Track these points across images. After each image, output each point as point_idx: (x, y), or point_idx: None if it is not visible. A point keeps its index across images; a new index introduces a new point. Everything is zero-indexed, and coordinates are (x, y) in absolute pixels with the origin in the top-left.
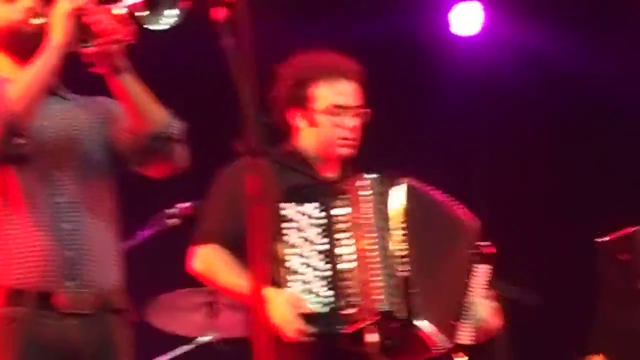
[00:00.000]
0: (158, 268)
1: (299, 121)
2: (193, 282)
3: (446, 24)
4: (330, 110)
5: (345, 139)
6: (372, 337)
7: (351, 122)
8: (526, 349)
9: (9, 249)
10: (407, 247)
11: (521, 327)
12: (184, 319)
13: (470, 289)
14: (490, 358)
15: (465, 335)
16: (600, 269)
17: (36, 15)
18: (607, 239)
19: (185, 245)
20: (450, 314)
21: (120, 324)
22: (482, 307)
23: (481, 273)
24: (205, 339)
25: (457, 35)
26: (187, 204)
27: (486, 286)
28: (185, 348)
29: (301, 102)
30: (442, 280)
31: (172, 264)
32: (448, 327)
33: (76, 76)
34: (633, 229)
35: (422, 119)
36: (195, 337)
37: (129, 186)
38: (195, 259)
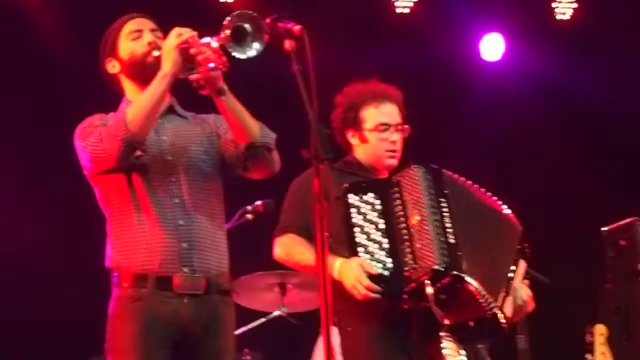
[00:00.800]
0: (238, 254)
1: (353, 139)
2: (267, 266)
3: (476, 52)
4: (377, 128)
5: (391, 151)
6: (429, 290)
7: (394, 137)
8: (542, 322)
9: (136, 241)
10: (451, 219)
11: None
12: (259, 297)
13: (514, 274)
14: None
15: (508, 307)
16: (605, 253)
17: (157, 48)
18: (609, 228)
19: (259, 235)
20: (494, 285)
21: (225, 303)
22: (523, 291)
23: (522, 266)
24: (277, 313)
25: (485, 61)
26: (260, 202)
27: (524, 276)
28: (262, 320)
29: (354, 123)
30: (487, 257)
31: (250, 250)
32: (493, 292)
33: (192, 97)
34: (630, 219)
35: (451, 131)
36: (269, 312)
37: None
38: (277, 247)
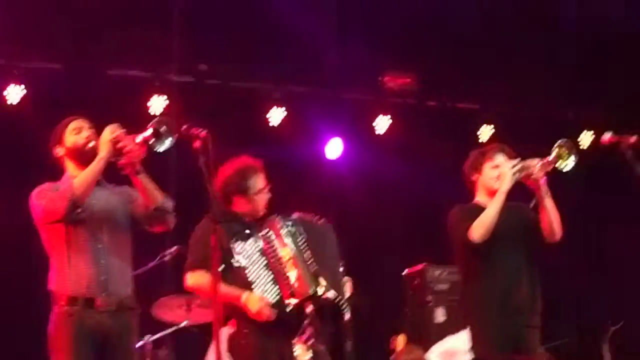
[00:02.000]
0: (157, 282)
1: (240, 201)
2: (178, 291)
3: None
4: (261, 191)
5: (265, 203)
6: (309, 308)
7: (268, 195)
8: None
9: (69, 275)
10: (311, 251)
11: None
12: (172, 312)
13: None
14: None
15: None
16: (406, 288)
17: (91, 141)
18: (408, 271)
19: (174, 271)
20: (339, 286)
21: (132, 317)
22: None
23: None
24: (184, 324)
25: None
26: (175, 248)
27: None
28: (174, 328)
29: (242, 190)
30: (330, 267)
31: (167, 280)
32: (340, 291)
33: (114, 175)
34: (422, 265)
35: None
36: (179, 323)
37: (145, 236)
38: (188, 280)
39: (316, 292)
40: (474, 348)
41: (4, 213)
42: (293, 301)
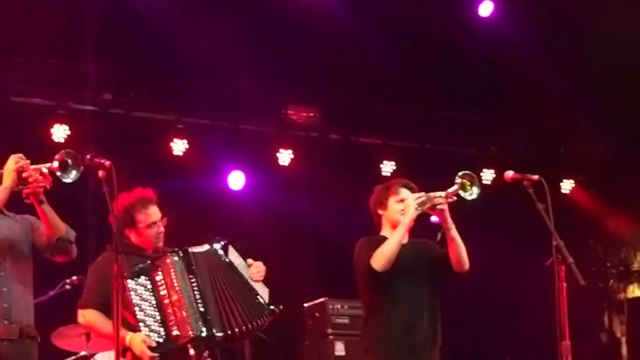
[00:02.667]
0: (58, 312)
1: (131, 235)
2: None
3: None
4: (150, 225)
5: (159, 237)
6: (192, 352)
7: (161, 229)
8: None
9: None
10: (200, 291)
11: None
12: (72, 341)
13: (253, 285)
14: None
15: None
16: (306, 321)
17: None
18: (308, 305)
19: (74, 300)
20: (255, 309)
21: (33, 345)
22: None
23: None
24: (82, 353)
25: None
26: (75, 277)
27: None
28: (72, 358)
29: (131, 224)
30: (238, 295)
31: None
32: (257, 313)
33: (18, 203)
34: (322, 299)
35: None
36: (78, 352)
37: (49, 266)
38: (80, 317)
39: (201, 333)
40: None
41: None
42: (176, 333)
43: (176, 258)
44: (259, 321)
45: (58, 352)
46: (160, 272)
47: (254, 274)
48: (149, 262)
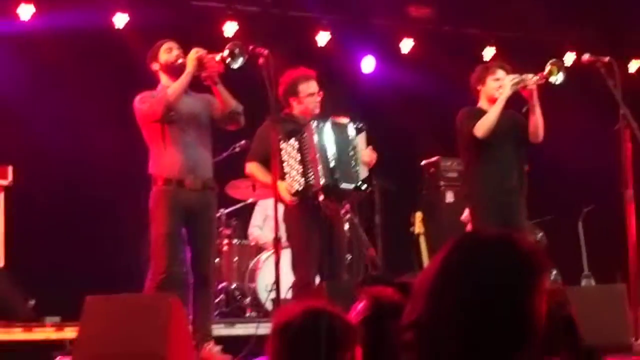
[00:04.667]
0: (231, 168)
1: (294, 102)
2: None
3: None
4: (310, 95)
5: (316, 105)
6: (321, 197)
7: (318, 98)
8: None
9: (164, 161)
10: (335, 153)
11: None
12: (240, 191)
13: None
14: None
15: (363, 172)
16: (423, 175)
17: (180, 58)
18: (424, 162)
19: (243, 159)
20: (353, 174)
21: (212, 194)
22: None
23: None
24: (250, 200)
25: None
26: (243, 142)
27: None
28: (241, 204)
29: (295, 93)
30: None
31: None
32: (354, 178)
33: (198, 84)
34: (436, 157)
35: None
36: (246, 200)
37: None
38: (246, 168)
39: (328, 183)
40: (472, 222)
41: (114, 114)
42: (307, 192)
43: (320, 125)
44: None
45: (231, 200)
46: (305, 136)
47: (364, 156)
48: (298, 127)
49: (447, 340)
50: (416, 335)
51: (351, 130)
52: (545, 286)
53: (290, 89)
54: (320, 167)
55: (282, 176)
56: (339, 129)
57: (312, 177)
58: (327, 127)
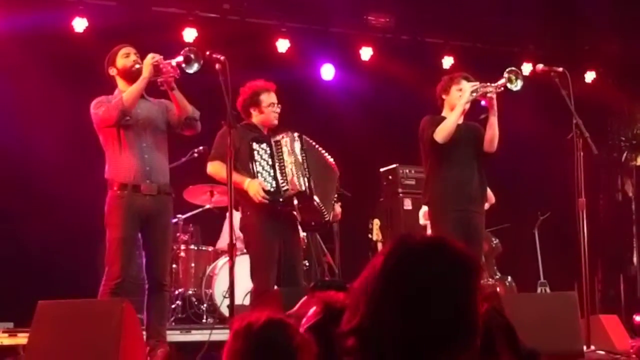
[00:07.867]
0: (189, 174)
1: (254, 113)
2: (203, 181)
3: None
4: (270, 105)
5: (275, 116)
6: (295, 201)
7: (277, 109)
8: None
9: (120, 166)
10: (309, 165)
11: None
12: (198, 197)
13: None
14: None
15: (331, 215)
16: (381, 182)
17: (137, 63)
18: (383, 169)
19: (200, 165)
20: (327, 203)
21: (168, 200)
22: (337, 207)
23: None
24: (207, 206)
25: None
26: (201, 147)
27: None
28: (198, 210)
29: (256, 103)
30: (323, 187)
31: (195, 172)
32: (326, 207)
33: (154, 90)
34: (394, 165)
35: None
36: (203, 206)
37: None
38: (208, 167)
39: (306, 190)
40: (432, 228)
41: (70, 118)
42: (285, 188)
43: (296, 135)
44: (324, 212)
45: (189, 206)
46: (283, 140)
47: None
48: (262, 135)
49: (389, 344)
50: (357, 341)
51: (312, 142)
52: (480, 286)
53: (251, 98)
54: (298, 174)
55: (253, 175)
56: (308, 145)
57: (285, 181)
58: (301, 139)
